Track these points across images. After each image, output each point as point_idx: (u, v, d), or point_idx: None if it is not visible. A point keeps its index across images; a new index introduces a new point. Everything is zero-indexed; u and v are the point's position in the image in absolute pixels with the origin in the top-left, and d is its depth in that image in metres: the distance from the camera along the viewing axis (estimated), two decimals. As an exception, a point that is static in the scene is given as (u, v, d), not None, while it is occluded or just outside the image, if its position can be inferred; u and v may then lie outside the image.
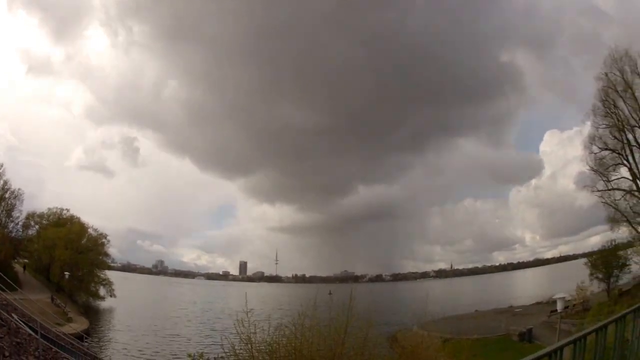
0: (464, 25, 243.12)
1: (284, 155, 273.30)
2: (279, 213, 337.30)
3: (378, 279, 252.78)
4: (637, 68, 57.23)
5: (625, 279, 58.78)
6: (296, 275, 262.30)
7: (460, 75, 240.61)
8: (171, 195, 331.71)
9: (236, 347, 16.41)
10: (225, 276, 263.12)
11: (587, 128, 67.09)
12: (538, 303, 74.47)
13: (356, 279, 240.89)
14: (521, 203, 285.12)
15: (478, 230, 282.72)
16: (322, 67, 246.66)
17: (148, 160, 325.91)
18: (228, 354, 16.49)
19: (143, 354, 46.47)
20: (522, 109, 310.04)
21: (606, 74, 59.15)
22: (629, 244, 57.21)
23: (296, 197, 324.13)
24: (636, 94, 57.04)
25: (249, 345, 16.21)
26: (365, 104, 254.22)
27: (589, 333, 6.55)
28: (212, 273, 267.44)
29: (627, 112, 57.72)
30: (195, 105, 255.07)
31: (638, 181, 57.26)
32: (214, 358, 17.10)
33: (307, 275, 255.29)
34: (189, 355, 16.87)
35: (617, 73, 58.33)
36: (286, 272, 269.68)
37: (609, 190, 59.87)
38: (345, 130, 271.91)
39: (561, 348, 5.75)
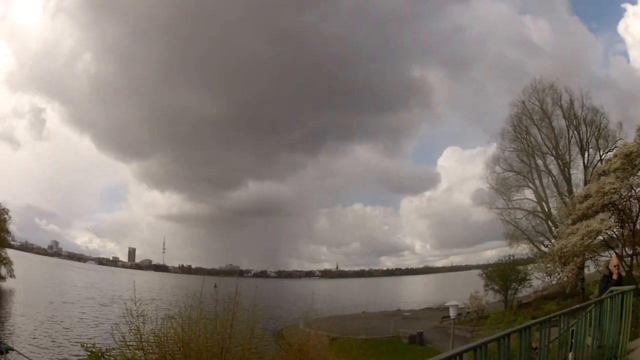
0: (384, 37, 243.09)
1: (179, 142, 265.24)
2: (168, 201, 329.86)
3: (263, 274, 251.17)
4: (560, 100, 60.05)
5: (525, 292, 61.25)
6: (182, 265, 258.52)
7: (367, 83, 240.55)
8: (69, 173, 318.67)
9: (126, 338, 15.38)
10: (115, 262, 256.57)
11: (492, 149, 69.42)
12: (428, 308, 75.93)
13: (241, 273, 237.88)
14: (412, 212, 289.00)
15: (366, 234, 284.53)
16: (231, 59, 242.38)
17: (52, 134, 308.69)
18: (119, 344, 15.46)
19: (41, 342, 44.47)
20: (425, 123, 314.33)
21: (523, 102, 62.43)
22: (529, 260, 58.90)
23: (186, 186, 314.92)
24: (553, 124, 60.17)
25: (139, 337, 15.23)
26: (267, 100, 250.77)
27: (491, 341, 6.69)
28: (103, 258, 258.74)
29: (540, 139, 61.10)
30: (103, 80, 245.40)
31: (544, 204, 60.37)
32: (106, 349, 15.82)
33: (194, 267, 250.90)
34: (82, 346, 15.57)
35: (537, 102, 61.61)
36: (173, 261, 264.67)
37: (510, 209, 62.97)
38: (243, 123, 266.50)
39: (461, 353, 5.82)
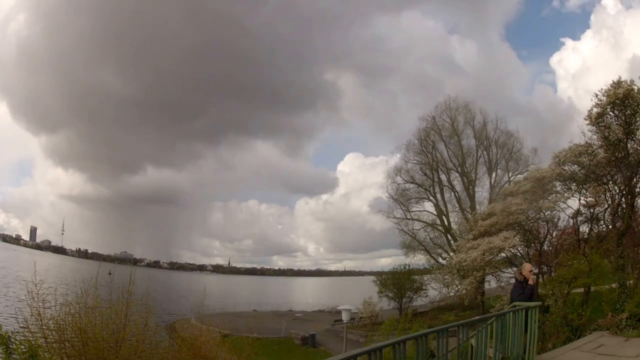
0: (305, 37, 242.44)
1: (87, 118, 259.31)
2: (71, 180, 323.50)
3: (156, 264, 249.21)
4: (472, 121, 62.33)
5: (420, 302, 62.32)
6: (80, 249, 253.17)
7: (278, 80, 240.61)
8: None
9: (29, 321, 14.82)
10: (17, 240, 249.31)
11: (395, 159, 70.38)
12: (320, 311, 76.78)
13: (135, 261, 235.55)
14: (308, 214, 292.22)
15: (260, 232, 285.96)
16: (147, 39, 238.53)
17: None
18: (22, 327, 14.88)
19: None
20: (330, 127, 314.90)
21: (434, 117, 63.36)
22: (426, 270, 60.91)
23: (88, 166, 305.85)
24: (462, 142, 62.13)
25: (40, 322, 14.70)
26: (176, 85, 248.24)
27: (387, 345, 6.86)
28: (7, 235, 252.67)
29: (446, 155, 62.54)
30: (30, 45, 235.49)
31: (444, 217, 61.96)
32: (12, 332, 15.25)
33: (90, 251, 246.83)
34: None
35: (448, 120, 62.99)
36: (71, 244, 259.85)
37: (408, 219, 64.11)
38: (149, 106, 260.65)
39: (355, 356, 5.93)
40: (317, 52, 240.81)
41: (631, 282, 24.44)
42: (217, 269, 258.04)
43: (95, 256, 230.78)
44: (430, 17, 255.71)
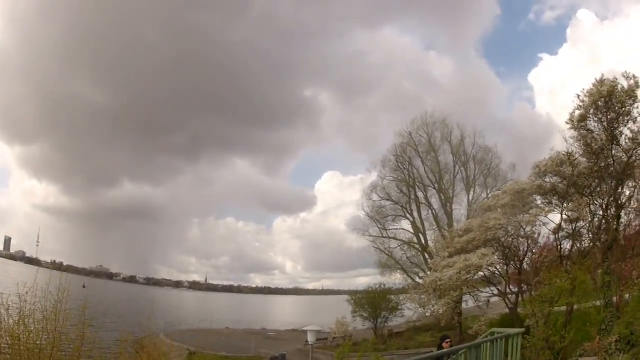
0: (286, 50, 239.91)
1: (63, 129, 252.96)
2: (45, 191, 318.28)
3: (132, 280, 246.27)
4: (450, 136, 60.94)
5: (396, 322, 60.45)
6: (55, 261, 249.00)
7: (259, 95, 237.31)
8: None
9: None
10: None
11: (372, 178, 69.19)
12: (294, 330, 74.96)
13: (111, 276, 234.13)
14: (285, 232, 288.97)
15: (237, 249, 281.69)
16: (126, 48, 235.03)
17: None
18: None
19: None
20: (309, 144, 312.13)
21: (410, 133, 61.81)
22: (402, 290, 58.48)
23: (62, 177, 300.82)
24: (439, 159, 60.67)
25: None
26: (155, 97, 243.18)
27: None
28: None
29: (423, 172, 60.98)
30: (3, 53, 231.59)
31: (421, 235, 60.34)
32: None
33: (65, 264, 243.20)
34: None
35: (425, 135, 61.55)
36: (46, 256, 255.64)
37: (384, 237, 62.79)
38: (128, 117, 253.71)
39: None
40: (297, 68, 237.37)
41: (617, 299, 23.55)
42: (194, 286, 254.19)
43: (70, 269, 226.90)
44: (408, 32, 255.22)
